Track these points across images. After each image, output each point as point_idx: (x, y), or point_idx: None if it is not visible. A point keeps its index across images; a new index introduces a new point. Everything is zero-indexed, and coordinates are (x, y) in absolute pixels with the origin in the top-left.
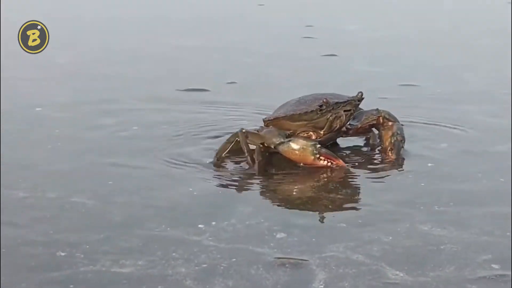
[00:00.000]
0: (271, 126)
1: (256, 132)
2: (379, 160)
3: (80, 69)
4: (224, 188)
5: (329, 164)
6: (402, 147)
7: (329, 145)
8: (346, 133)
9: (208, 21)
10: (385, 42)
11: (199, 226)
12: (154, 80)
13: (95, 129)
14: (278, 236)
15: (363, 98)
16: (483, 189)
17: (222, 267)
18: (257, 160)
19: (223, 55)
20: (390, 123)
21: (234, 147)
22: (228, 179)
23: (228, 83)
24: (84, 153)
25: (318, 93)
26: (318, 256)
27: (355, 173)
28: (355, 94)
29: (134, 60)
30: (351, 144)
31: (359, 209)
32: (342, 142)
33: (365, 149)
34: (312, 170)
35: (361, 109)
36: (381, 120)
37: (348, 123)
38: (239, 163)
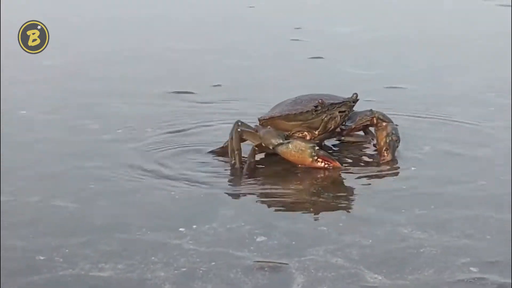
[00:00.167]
0: (269, 126)
1: (253, 131)
2: (364, 162)
3: (66, 71)
4: (207, 191)
5: (326, 166)
6: (397, 146)
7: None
8: (340, 134)
9: (198, 23)
10: (373, 44)
11: (180, 229)
12: (140, 82)
13: (80, 132)
14: (258, 239)
15: (358, 100)
16: (465, 192)
17: (201, 271)
18: (248, 161)
19: (210, 57)
20: (384, 124)
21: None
22: (211, 181)
23: (214, 86)
24: (68, 157)
25: (314, 94)
26: (297, 260)
27: (338, 176)
28: (349, 96)
29: (121, 62)
30: (340, 145)
31: (341, 212)
32: (333, 142)
33: (350, 151)
34: (296, 173)
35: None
36: (375, 121)
37: (342, 124)
38: (223, 166)
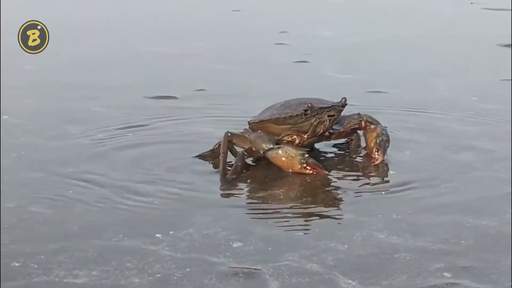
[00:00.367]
0: (259, 130)
1: (244, 135)
2: (342, 166)
3: (48, 76)
4: (186, 196)
5: (314, 173)
6: (388, 147)
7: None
8: (329, 138)
9: (182, 27)
10: (357, 48)
11: (157, 235)
12: (122, 87)
13: (60, 138)
14: (234, 245)
15: (346, 104)
16: (443, 196)
17: (175, 277)
18: (235, 164)
19: (194, 61)
20: (372, 126)
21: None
22: (190, 187)
23: (197, 90)
24: (47, 162)
25: (303, 98)
26: (272, 265)
27: (316, 181)
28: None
29: (104, 67)
30: (326, 149)
31: (318, 217)
32: (319, 146)
33: (334, 155)
34: (276, 179)
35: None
36: (363, 124)
37: (331, 127)
38: (204, 171)
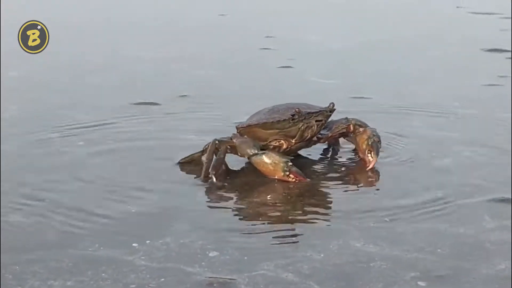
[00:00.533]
0: (245, 135)
1: (230, 140)
2: (320, 173)
3: (30, 82)
4: (164, 205)
5: (297, 181)
6: (380, 147)
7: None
8: (317, 142)
9: (167, 32)
10: (342, 53)
11: (133, 245)
12: (104, 93)
13: (40, 145)
14: (210, 254)
15: (334, 109)
16: (421, 204)
17: (149, 287)
18: (212, 167)
19: (177, 67)
20: (362, 129)
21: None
22: (169, 195)
23: (180, 96)
24: (25, 170)
25: (291, 103)
26: (247, 275)
27: (295, 189)
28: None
29: (86, 73)
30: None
31: (295, 226)
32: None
33: (313, 161)
34: (254, 187)
35: None
36: (351, 128)
37: (319, 132)
38: (183, 179)
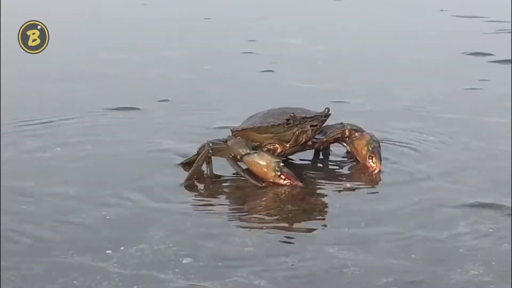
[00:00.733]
0: (238, 137)
1: (223, 142)
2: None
3: (8, 86)
4: (139, 211)
5: (288, 183)
6: (380, 152)
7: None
8: (311, 147)
9: (149, 35)
10: (324, 57)
11: (107, 251)
12: (82, 98)
13: (17, 151)
14: (184, 261)
15: (329, 114)
16: (397, 210)
17: None
18: (195, 164)
19: (159, 71)
20: (358, 134)
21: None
22: (145, 200)
23: (160, 101)
24: (2, 176)
25: (286, 107)
26: (220, 282)
27: (269, 195)
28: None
29: (62, 78)
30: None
31: (270, 231)
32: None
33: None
34: (231, 192)
35: None
36: (347, 133)
37: (314, 137)
38: (160, 184)
